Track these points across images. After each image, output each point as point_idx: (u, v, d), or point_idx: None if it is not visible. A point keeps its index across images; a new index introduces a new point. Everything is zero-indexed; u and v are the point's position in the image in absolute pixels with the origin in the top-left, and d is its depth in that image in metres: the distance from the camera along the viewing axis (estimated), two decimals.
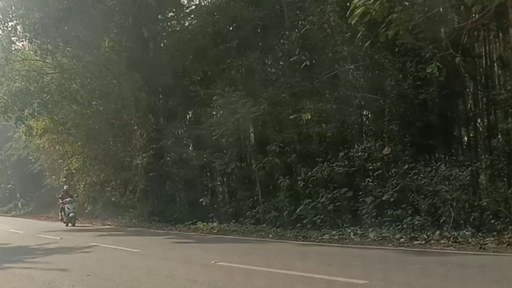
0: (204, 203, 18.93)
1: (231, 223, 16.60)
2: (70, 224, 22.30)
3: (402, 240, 10.90)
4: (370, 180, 13.57)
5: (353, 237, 12.01)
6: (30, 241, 15.17)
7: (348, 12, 9.33)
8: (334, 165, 14.29)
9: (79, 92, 23.73)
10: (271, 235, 13.63)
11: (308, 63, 14.84)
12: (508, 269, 7.70)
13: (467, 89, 13.93)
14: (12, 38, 21.67)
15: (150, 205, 21.32)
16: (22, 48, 24.00)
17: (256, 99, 16.33)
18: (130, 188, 23.48)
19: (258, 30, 18.04)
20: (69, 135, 26.45)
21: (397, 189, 12.77)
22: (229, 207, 18.19)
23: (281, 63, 17.57)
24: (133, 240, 15.04)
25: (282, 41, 16.82)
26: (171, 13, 22.57)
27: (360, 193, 13.81)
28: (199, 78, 20.19)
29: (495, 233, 10.39)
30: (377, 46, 13.17)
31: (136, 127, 22.00)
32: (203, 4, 22.09)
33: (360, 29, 11.05)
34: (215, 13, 19.51)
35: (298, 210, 14.64)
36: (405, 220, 12.03)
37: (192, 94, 18.80)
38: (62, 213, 23.28)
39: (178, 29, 22.55)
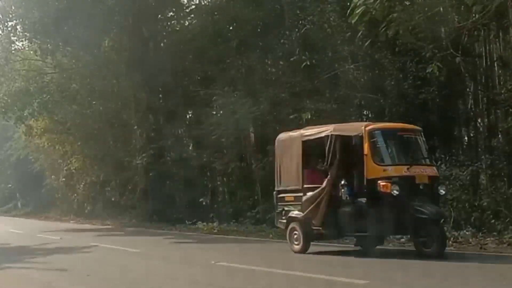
0: (204, 203, 18.92)
1: (231, 223, 16.59)
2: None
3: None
4: None
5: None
6: (29, 241, 15.14)
7: (348, 12, 9.34)
8: None
9: (79, 92, 23.73)
10: (271, 235, 13.60)
11: (308, 63, 14.83)
12: (508, 269, 7.69)
13: (467, 89, 13.91)
14: (12, 38, 21.70)
15: (150, 205, 21.32)
16: (22, 48, 24.01)
17: (256, 99, 16.32)
18: (130, 188, 23.47)
19: (258, 30, 18.05)
20: (69, 135, 26.46)
21: None
22: (229, 207, 18.19)
23: (281, 63, 17.58)
24: (133, 240, 15.03)
25: (282, 41, 16.82)
26: (171, 13, 22.58)
27: None
28: (199, 78, 20.19)
29: (495, 233, 10.38)
30: (377, 45, 13.18)
31: (136, 127, 22.00)
32: (203, 4, 22.09)
33: (360, 28, 11.07)
34: (215, 13, 19.51)
35: None
36: None
37: (192, 94, 18.79)
38: None
39: (178, 29, 22.56)
